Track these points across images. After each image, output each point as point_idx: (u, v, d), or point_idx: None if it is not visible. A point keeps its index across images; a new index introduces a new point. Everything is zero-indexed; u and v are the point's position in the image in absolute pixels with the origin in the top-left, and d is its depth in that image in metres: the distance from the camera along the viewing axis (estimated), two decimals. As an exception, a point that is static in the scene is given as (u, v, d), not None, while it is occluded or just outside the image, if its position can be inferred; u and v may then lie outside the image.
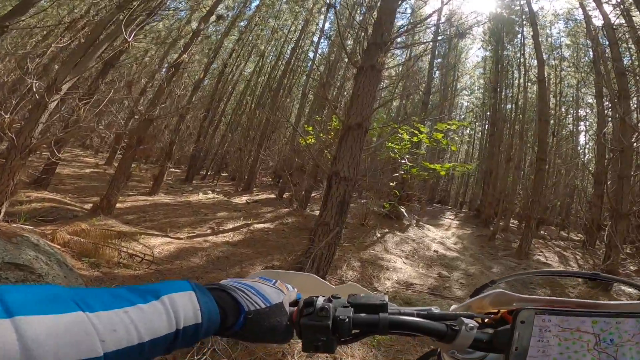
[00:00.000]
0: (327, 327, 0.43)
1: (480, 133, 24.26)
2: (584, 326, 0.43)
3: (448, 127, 5.63)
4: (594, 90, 15.01)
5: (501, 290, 0.49)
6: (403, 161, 5.47)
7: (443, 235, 10.57)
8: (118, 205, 6.93)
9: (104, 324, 0.28)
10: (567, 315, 0.43)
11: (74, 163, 12.81)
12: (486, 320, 0.50)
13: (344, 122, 3.73)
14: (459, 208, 23.37)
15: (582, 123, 18.46)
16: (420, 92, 12.32)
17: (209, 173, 17.62)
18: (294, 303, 0.50)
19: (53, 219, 5.05)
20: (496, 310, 0.50)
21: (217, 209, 7.69)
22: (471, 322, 0.45)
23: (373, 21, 4.68)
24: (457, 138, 6.09)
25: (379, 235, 6.94)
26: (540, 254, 8.29)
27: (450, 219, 14.63)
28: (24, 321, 0.24)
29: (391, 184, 5.36)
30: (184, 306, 0.35)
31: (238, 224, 6.49)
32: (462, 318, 0.46)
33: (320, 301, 0.45)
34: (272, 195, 11.36)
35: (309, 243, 3.57)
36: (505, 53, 16.76)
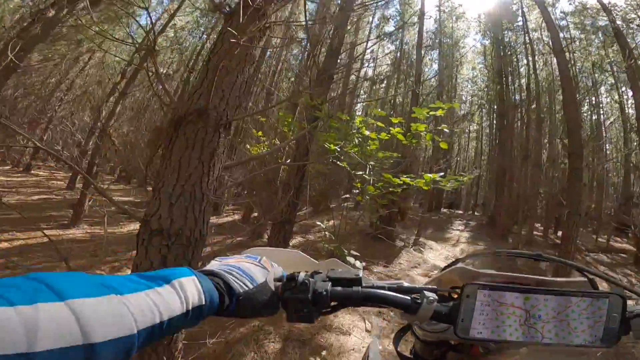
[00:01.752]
0: (307, 299, 0.47)
1: (488, 128, 22.03)
2: (517, 302, 0.46)
3: (432, 113, 3.62)
4: (619, 70, 12.85)
5: (461, 265, 0.57)
6: (360, 172, 3.48)
7: (448, 255, 8.44)
8: None
9: (134, 305, 0.32)
10: (504, 290, 0.47)
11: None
12: (452, 294, 0.53)
13: (173, 112, 1.79)
14: (471, 211, 21.15)
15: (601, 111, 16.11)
16: (410, 81, 10.35)
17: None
18: (279, 279, 0.53)
19: None
20: (460, 285, 0.52)
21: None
22: (432, 295, 0.48)
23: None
24: (446, 130, 4.17)
25: (350, 276, 4.93)
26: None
27: (459, 229, 12.43)
28: (76, 303, 0.27)
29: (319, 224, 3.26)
30: (190, 289, 0.39)
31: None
32: (425, 292, 0.49)
33: (301, 276, 0.49)
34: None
35: None
36: (506, 39, 14.71)
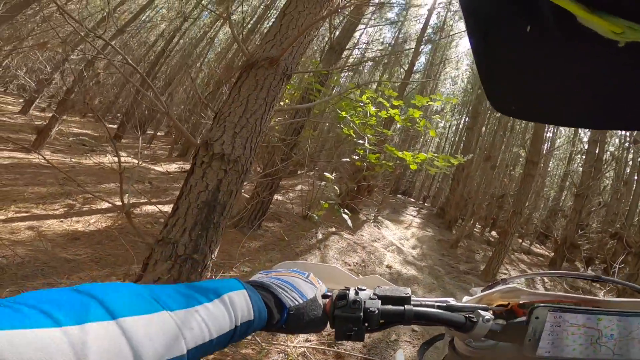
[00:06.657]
0: (359, 318, 0.46)
1: (455, 127, 23.27)
2: (589, 322, 0.47)
3: (430, 102, 3.98)
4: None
5: (514, 285, 0.56)
6: (361, 142, 3.78)
7: (402, 235, 9.23)
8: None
9: (183, 323, 0.30)
10: (577, 312, 0.47)
11: None
12: (497, 312, 0.54)
13: (247, 56, 1.94)
14: (422, 202, 22.60)
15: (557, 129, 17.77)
16: (402, 70, 10.64)
17: (157, 133, 15.08)
18: (324, 296, 0.52)
19: None
20: (506, 303, 0.55)
21: (105, 179, 5.65)
22: (487, 314, 0.49)
23: None
24: (439, 120, 4.57)
25: (320, 236, 5.32)
26: (505, 272, 7.16)
27: (412, 215, 13.44)
28: (128, 323, 0.26)
29: (328, 177, 3.60)
30: (240, 304, 0.38)
31: (119, 203, 4.57)
32: (479, 310, 0.50)
33: (352, 294, 0.48)
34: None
35: (141, 271, 1.82)
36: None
